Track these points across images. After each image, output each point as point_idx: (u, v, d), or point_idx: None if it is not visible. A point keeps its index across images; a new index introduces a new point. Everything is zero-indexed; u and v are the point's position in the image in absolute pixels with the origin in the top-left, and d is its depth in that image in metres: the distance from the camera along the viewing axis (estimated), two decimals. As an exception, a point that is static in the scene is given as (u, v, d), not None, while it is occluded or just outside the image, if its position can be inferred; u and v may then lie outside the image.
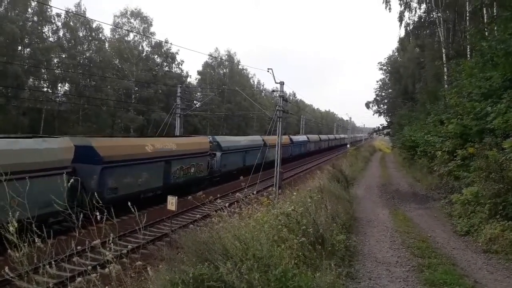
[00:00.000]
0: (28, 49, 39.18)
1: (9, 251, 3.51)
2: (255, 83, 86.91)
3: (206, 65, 68.43)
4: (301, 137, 55.51)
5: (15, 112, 36.43)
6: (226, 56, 70.58)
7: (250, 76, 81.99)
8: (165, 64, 56.15)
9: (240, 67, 74.56)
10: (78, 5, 43.84)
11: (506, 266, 7.61)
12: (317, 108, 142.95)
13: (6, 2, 35.60)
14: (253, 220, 6.91)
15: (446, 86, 23.82)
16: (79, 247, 4.07)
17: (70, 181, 6.42)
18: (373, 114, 60.99)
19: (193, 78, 66.58)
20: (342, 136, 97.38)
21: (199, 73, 68.51)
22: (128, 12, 50.94)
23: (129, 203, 4.69)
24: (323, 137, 75.16)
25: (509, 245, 8.22)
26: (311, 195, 9.01)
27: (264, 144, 31.55)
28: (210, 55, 66.19)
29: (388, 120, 57.77)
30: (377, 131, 62.07)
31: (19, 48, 38.44)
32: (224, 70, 71.33)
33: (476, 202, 10.63)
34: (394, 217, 12.77)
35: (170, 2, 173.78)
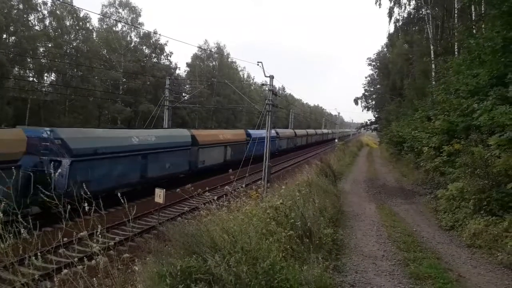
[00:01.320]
0: (13, 38, 38.32)
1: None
2: (245, 76, 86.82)
3: (195, 57, 67.93)
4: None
5: (-1, 102, 35.69)
6: (216, 49, 70.18)
7: (239, 69, 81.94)
8: (153, 55, 55.57)
9: (229, 60, 74.29)
10: (65, -8, 42.96)
11: (489, 261, 7.76)
12: (306, 103, 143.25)
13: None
14: (241, 213, 6.91)
15: (433, 82, 24.08)
16: (65, 239, 4.01)
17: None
18: (362, 110, 61.39)
19: (182, 70, 66.09)
20: (325, 131, 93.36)
21: (188, 65, 68.05)
22: (117, 2, 50.20)
23: (119, 194, 4.64)
24: (300, 132, 63.53)
25: (493, 240, 8.38)
26: (299, 189, 9.08)
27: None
28: (200, 47, 65.78)
29: (376, 115, 58.33)
30: (365, 126, 62.68)
31: (4, 36, 37.57)
32: (214, 63, 70.90)
33: (461, 198, 10.80)
34: (381, 212, 12.92)
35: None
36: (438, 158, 15.01)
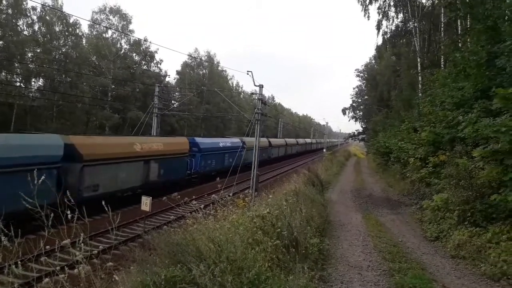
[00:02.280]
0: (1, 42, 37.85)
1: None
2: (234, 85, 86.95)
3: (185, 65, 67.95)
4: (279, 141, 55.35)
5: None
6: (206, 57, 70.32)
7: (229, 77, 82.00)
8: (143, 62, 55.38)
9: (219, 68, 74.45)
10: (55, -1, 42.73)
11: (473, 272, 7.85)
12: (295, 112, 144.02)
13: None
14: (228, 222, 6.88)
15: (420, 94, 24.48)
16: (47, 247, 3.94)
17: None
18: (349, 120, 62.08)
19: (171, 78, 65.97)
20: (309, 141, 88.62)
21: (178, 73, 67.96)
22: (107, 9, 50.08)
23: (103, 202, 4.58)
24: (276, 142, 54.86)
25: (476, 251, 8.48)
26: (286, 198, 9.08)
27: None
28: (190, 55, 65.84)
29: (364, 126, 58.94)
30: (352, 136, 63.25)
31: (-9, 40, 37.10)
32: (204, 71, 71.00)
33: (445, 209, 10.93)
34: (367, 222, 12.98)
35: (150, 1, 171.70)
36: (424, 169, 15.21)
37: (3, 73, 38.46)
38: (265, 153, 43.35)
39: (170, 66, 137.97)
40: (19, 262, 3.60)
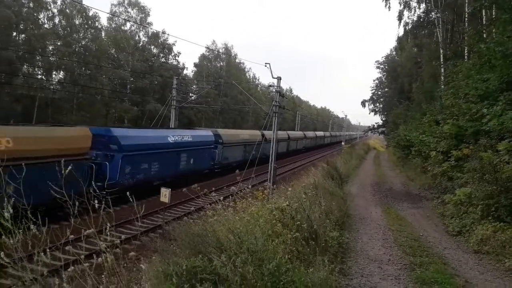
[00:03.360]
0: (23, 35, 38.68)
1: (3, 237, 3.47)
2: (251, 77, 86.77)
3: (202, 57, 68.16)
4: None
5: (8, 99, 36.01)
6: (223, 49, 70.32)
7: (246, 70, 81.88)
8: (161, 55, 55.83)
9: (237, 60, 74.38)
10: (75, -9, 43.36)
11: (496, 267, 7.68)
12: (313, 105, 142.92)
13: (2, -13, 35.09)
14: (247, 214, 6.90)
15: (442, 86, 23.90)
16: (72, 236, 4.02)
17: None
18: (369, 113, 61.17)
19: (189, 70, 66.30)
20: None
21: (195, 65, 68.24)
22: (126, 1, 50.53)
23: (127, 193, 4.64)
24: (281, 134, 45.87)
25: (500, 246, 8.29)
26: (305, 191, 9.05)
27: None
28: (207, 47, 65.95)
29: (384, 119, 58.08)
30: (372, 129, 62.41)
31: (14, 34, 37.93)
32: (221, 63, 71.04)
33: (468, 203, 10.70)
34: (387, 215, 12.84)
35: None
36: (446, 162, 14.87)
37: (25, 66, 39.34)
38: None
39: (188, 58, 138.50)
40: (47, 250, 3.68)
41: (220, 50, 69.23)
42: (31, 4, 38.95)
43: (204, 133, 27.48)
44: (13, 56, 34.20)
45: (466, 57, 22.05)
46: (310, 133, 66.16)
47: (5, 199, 3.62)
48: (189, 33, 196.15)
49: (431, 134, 18.05)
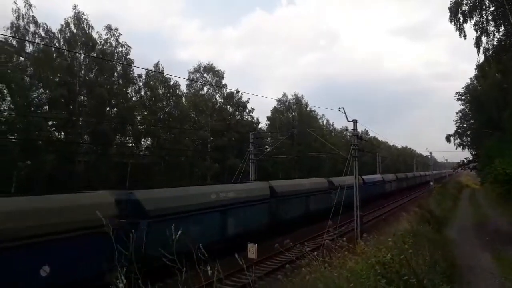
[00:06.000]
0: (114, 109, 43.13)
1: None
2: (324, 123, 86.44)
3: (274, 110, 70.00)
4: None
5: (105, 168, 39.64)
6: (294, 100, 71.63)
7: (318, 117, 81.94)
8: (237, 113, 58.43)
9: (308, 109, 75.02)
10: (156, 65, 48.05)
11: None
12: (393, 145, 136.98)
13: (96, 69, 40.05)
14: (346, 270, 6.53)
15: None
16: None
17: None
18: (456, 148, 56.76)
19: (263, 124, 68.18)
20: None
21: (268, 118, 70.11)
22: (201, 68, 54.66)
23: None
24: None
25: None
26: (404, 240, 8.40)
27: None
28: (279, 100, 67.69)
29: (474, 153, 53.68)
30: (462, 165, 57.78)
31: (107, 109, 42.49)
32: (293, 114, 72.18)
33: None
34: (499, 262, 11.38)
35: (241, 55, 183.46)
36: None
37: (118, 136, 43.48)
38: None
39: (261, 113, 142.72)
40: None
41: (291, 102, 70.64)
42: (120, 81, 43.71)
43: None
44: (108, 129, 38.03)
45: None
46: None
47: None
48: (260, 88, 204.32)
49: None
